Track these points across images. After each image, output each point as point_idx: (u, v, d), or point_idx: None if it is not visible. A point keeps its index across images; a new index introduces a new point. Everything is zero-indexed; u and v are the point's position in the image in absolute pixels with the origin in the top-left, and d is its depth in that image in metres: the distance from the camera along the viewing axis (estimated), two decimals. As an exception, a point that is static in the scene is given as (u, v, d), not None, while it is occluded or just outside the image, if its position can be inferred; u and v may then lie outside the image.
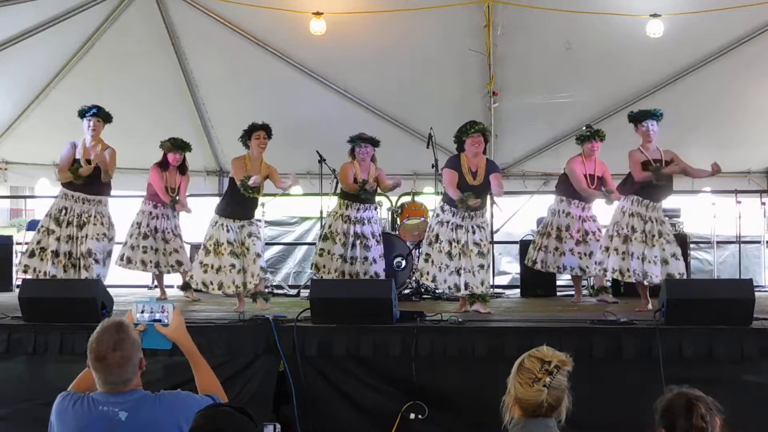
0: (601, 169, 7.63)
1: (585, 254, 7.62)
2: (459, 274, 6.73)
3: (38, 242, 7.32)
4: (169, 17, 9.28)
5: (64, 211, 7.33)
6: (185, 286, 8.11)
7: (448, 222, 6.84)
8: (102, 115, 7.39)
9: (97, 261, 7.23)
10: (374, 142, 7.82)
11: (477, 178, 6.81)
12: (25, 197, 18.78)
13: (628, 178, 7.13)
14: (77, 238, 7.28)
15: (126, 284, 8.75)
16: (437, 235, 6.86)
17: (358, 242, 7.63)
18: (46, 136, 9.74)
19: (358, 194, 7.60)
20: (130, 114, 9.08)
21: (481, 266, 6.76)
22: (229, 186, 7.25)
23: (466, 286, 6.72)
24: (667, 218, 7.13)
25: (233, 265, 6.95)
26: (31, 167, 10.46)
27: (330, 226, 7.73)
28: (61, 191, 7.49)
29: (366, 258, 7.65)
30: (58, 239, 7.25)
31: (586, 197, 7.63)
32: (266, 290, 7.44)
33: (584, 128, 7.95)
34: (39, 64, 9.49)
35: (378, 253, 7.73)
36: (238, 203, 7.11)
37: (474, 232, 6.81)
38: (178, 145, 7.90)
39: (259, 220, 9.46)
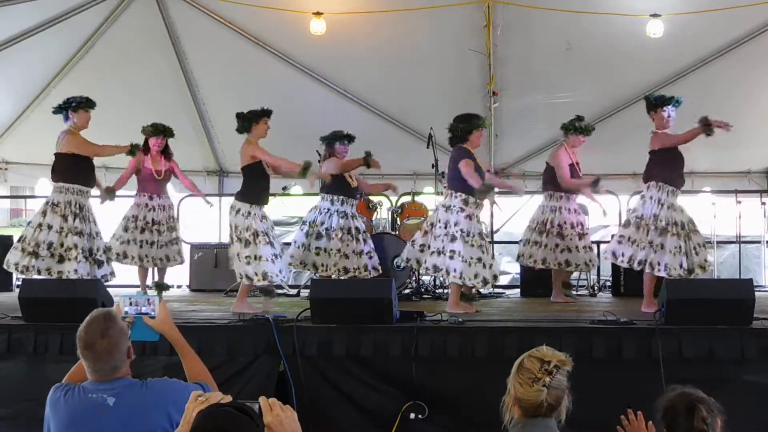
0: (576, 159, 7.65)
1: (570, 248, 7.59)
2: (485, 267, 6.69)
3: None
4: (169, 17, 9.28)
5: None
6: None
7: (471, 215, 6.75)
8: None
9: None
10: (350, 139, 7.85)
11: (481, 171, 6.88)
12: (25, 197, 18.77)
13: (654, 164, 6.80)
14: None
15: (126, 284, 8.73)
16: (465, 230, 6.66)
17: (361, 236, 7.63)
18: (46, 136, 9.70)
19: (366, 162, 7.53)
20: (130, 114, 9.08)
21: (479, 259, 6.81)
22: (254, 172, 6.87)
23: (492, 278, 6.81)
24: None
25: (276, 255, 6.84)
26: (31, 167, 10.45)
27: (323, 223, 7.62)
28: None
29: (363, 252, 7.61)
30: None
31: (570, 189, 7.53)
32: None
33: (575, 117, 7.78)
34: (39, 64, 9.50)
35: (368, 249, 7.70)
36: (265, 189, 6.96)
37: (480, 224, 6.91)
38: (159, 130, 7.97)
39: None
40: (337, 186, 7.68)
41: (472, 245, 6.63)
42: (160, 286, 8.01)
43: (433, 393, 5.63)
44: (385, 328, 5.86)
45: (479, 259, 6.65)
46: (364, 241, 7.65)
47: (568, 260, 7.58)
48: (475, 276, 6.63)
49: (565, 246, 7.56)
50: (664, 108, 6.81)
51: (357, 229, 7.65)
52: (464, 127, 6.91)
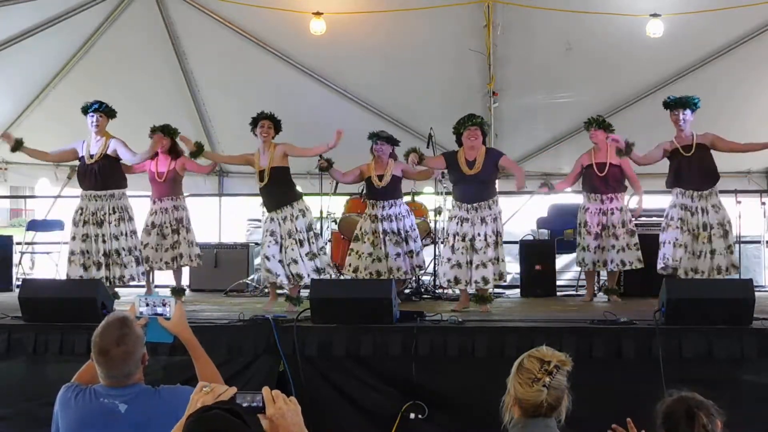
0: (618, 158, 7.53)
1: (600, 248, 7.57)
2: (460, 267, 6.83)
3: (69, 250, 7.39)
4: (169, 17, 9.28)
5: (80, 212, 7.35)
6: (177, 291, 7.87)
7: (455, 216, 7.00)
8: (105, 111, 7.43)
9: (118, 264, 7.27)
10: (391, 141, 7.83)
11: (474, 167, 6.97)
12: (25, 197, 18.77)
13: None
14: (97, 236, 7.26)
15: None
16: (446, 231, 7.09)
17: (387, 239, 7.60)
18: (46, 136, 9.71)
19: (321, 167, 7.66)
20: (130, 114, 9.05)
21: (484, 262, 6.82)
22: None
23: (463, 280, 6.86)
24: (721, 207, 7.11)
25: (266, 257, 7.09)
26: (31, 167, 10.43)
27: (360, 228, 7.71)
28: (80, 192, 7.55)
29: (398, 254, 7.60)
30: (74, 239, 7.29)
31: (602, 190, 7.55)
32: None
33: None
34: (39, 63, 9.50)
35: (406, 249, 7.66)
36: (263, 195, 7.35)
37: (480, 225, 6.90)
38: (155, 130, 7.89)
39: (258, 220, 9.46)
40: (366, 190, 7.81)
41: None
42: (176, 291, 7.86)
43: (433, 393, 5.63)
44: (385, 328, 5.87)
45: None
46: (397, 243, 7.61)
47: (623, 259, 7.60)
48: None
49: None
50: (674, 111, 7.12)
51: (393, 231, 7.61)
52: (456, 128, 7.14)
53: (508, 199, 9.91)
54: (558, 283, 8.66)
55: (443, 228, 8.38)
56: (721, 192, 9.44)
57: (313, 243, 7.17)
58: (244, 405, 2.16)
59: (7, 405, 5.97)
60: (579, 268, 8.15)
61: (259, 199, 9.35)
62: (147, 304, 3.13)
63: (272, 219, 7.15)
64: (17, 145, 7.43)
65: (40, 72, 9.64)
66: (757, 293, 6.00)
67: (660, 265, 7.08)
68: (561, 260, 9.60)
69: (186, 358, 3.20)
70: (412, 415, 5.57)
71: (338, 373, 5.81)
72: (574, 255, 9.92)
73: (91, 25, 9.23)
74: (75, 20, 9.00)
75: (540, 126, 9.99)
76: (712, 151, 7.15)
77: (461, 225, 6.92)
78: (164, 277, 8.45)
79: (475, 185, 6.96)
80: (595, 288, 8.58)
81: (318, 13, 8.60)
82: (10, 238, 9.63)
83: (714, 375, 5.31)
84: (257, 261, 9.73)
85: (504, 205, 9.19)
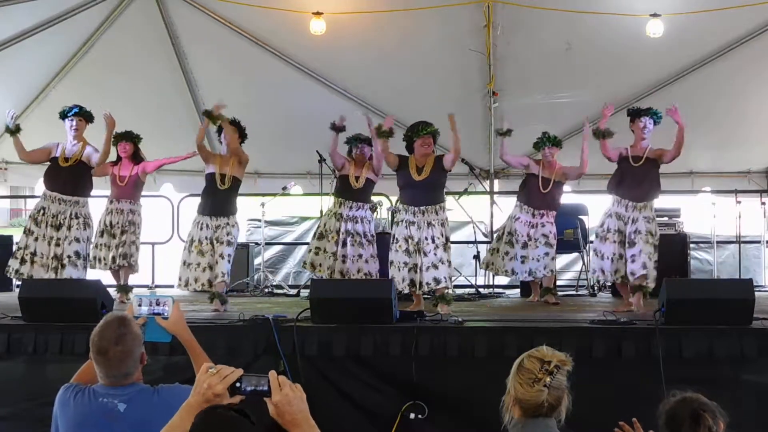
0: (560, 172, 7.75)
1: (535, 258, 7.64)
2: (416, 272, 6.80)
3: (18, 243, 7.43)
4: (169, 17, 9.29)
5: (42, 212, 7.36)
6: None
7: (402, 220, 6.93)
8: (84, 114, 7.44)
9: (73, 264, 7.27)
10: (369, 142, 7.82)
11: (422, 173, 6.95)
12: (25, 197, 18.75)
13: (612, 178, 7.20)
14: (52, 239, 7.28)
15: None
16: (394, 236, 6.97)
17: (349, 240, 7.57)
18: (46, 136, 9.68)
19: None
20: (130, 114, 9.04)
21: (434, 263, 6.79)
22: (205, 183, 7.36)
23: (421, 284, 6.81)
24: (653, 219, 6.93)
25: (198, 264, 7.05)
26: (31, 167, 10.37)
27: (325, 225, 7.69)
28: (42, 192, 7.56)
29: (361, 256, 7.57)
30: (36, 239, 7.29)
31: (538, 205, 7.68)
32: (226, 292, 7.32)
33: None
34: (39, 64, 9.50)
35: (370, 253, 7.62)
36: (207, 197, 7.22)
37: (426, 229, 6.84)
38: (120, 137, 7.80)
39: (258, 220, 9.48)
40: (339, 187, 7.73)
41: None
42: (123, 288, 7.81)
43: (433, 393, 5.63)
44: (385, 328, 5.86)
45: None
46: (362, 245, 7.58)
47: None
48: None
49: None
50: (641, 118, 7.01)
51: (359, 233, 7.58)
52: (408, 136, 7.09)
53: (507, 199, 9.93)
54: (558, 283, 8.65)
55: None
56: (721, 192, 9.52)
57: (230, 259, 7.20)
58: (249, 389, 2.17)
59: (7, 405, 5.97)
60: (581, 270, 8.16)
61: (259, 199, 9.44)
62: (144, 304, 3.13)
63: (207, 226, 7.11)
64: (16, 130, 7.50)
65: (40, 72, 9.64)
66: (757, 293, 6.00)
67: (595, 277, 7.00)
68: (561, 260, 9.60)
69: (185, 358, 3.19)
70: (412, 415, 5.57)
71: (338, 373, 5.80)
72: (574, 255, 10.00)
73: (90, 26, 9.24)
74: (74, 20, 9.00)
75: (539, 126, 9.96)
76: (661, 168, 7.05)
77: (408, 228, 6.86)
78: (163, 278, 8.45)
79: (422, 189, 6.91)
80: (596, 288, 8.60)
81: (318, 13, 8.61)
82: (10, 238, 9.62)
83: (714, 375, 5.31)
84: (257, 261, 9.76)
85: (504, 204, 9.24)
